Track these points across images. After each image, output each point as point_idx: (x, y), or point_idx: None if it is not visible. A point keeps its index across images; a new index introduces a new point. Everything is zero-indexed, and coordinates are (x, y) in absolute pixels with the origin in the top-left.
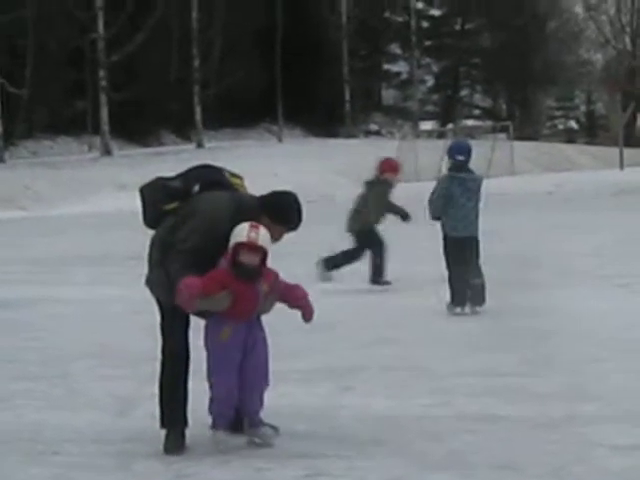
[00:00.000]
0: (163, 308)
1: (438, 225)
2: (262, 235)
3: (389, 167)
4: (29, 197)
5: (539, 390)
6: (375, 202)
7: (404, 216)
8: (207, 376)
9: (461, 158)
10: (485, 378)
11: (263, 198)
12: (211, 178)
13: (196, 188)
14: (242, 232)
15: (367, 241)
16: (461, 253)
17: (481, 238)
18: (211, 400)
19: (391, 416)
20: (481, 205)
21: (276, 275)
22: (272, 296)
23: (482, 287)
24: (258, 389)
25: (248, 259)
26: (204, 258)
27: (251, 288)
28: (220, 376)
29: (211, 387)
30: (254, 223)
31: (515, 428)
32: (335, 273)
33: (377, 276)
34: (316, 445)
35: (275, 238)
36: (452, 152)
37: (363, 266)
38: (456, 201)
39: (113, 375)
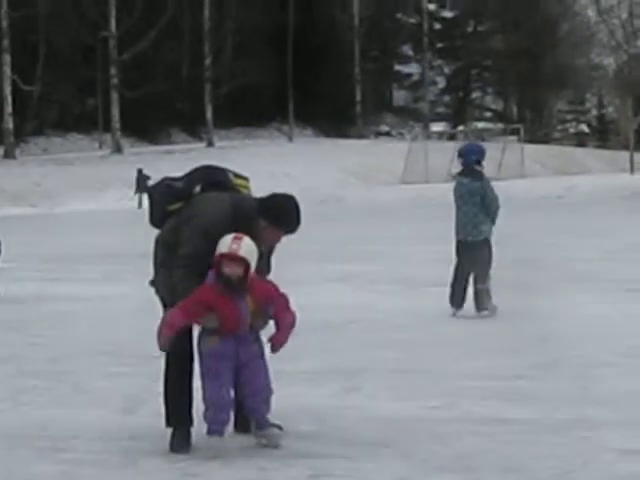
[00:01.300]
0: (167, 308)
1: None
2: (245, 246)
3: None
4: (39, 194)
5: (546, 393)
6: None
7: None
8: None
9: (461, 161)
10: (492, 381)
11: (261, 201)
12: (213, 179)
13: (197, 189)
14: (225, 243)
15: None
16: (460, 256)
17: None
18: (205, 406)
19: (397, 418)
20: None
21: (271, 296)
22: (264, 315)
23: (482, 293)
24: (260, 397)
25: (230, 270)
26: (205, 262)
27: (234, 305)
28: (210, 382)
29: (203, 394)
30: (239, 235)
31: (521, 431)
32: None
33: None
34: (321, 445)
35: (272, 241)
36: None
37: (372, 267)
38: (456, 204)
39: (120, 373)
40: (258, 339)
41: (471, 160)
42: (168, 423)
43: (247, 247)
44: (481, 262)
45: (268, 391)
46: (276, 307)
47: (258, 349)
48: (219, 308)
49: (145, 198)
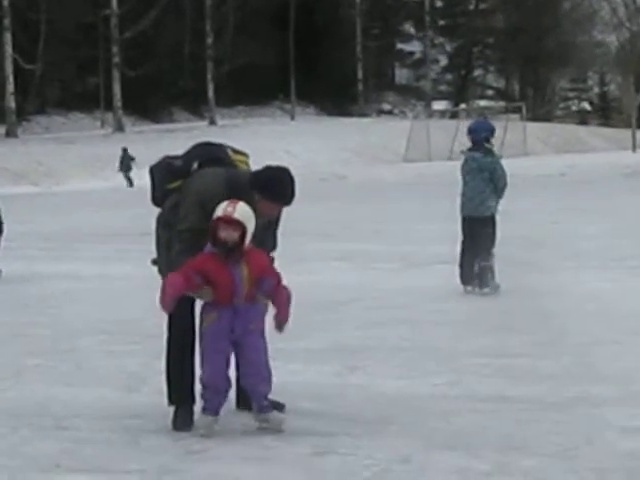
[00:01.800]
0: None
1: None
2: (240, 209)
3: None
4: (41, 173)
5: (549, 371)
6: None
7: None
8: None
9: (470, 137)
10: (495, 359)
11: (254, 174)
12: (211, 155)
13: (195, 166)
14: (221, 207)
15: None
16: (466, 232)
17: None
18: (201, 386)
19: (399, 396)
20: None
21: (265, 270)
22: (259, 289)
23: (484, 270)
24: (259, 378)
25: (225, 234)
26: (203, 237)
27: (228, 272)
28: (207, 364)
29: (201, 373)
30: (233, 200)
31: (524, 409)
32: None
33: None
34: (323, 423)
35: (268, 214)
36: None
37: (374, 245)
38: (463, 180)
39: (123, 351)
40: (257, 317)
41: (481, 137)
42: (170, 401)
43: (242, 210)
44: (485, 239)
45: (266, 371)
46: (270, 284)
47: (256, 326)
48: (214, 275)
49: (127, 176)
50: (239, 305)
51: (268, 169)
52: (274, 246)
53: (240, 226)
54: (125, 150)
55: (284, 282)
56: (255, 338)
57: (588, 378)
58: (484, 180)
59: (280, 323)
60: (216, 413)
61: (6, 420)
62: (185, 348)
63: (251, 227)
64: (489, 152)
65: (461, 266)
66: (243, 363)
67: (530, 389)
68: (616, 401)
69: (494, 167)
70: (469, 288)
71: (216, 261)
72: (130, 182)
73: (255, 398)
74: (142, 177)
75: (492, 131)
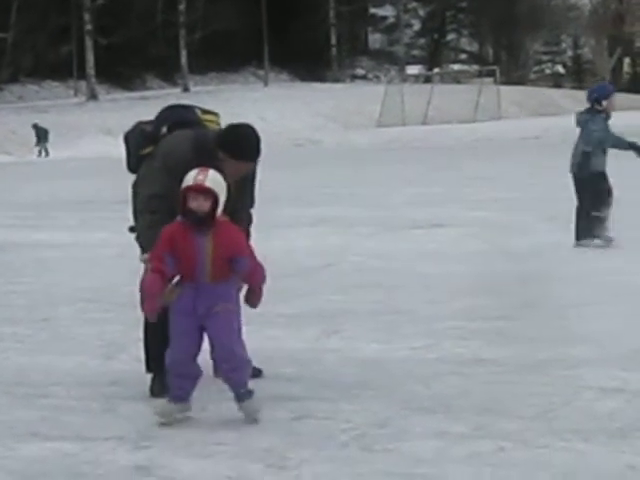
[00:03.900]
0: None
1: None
2: (211, 177)
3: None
4: (15, 142)
5: (525, 333)
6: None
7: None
8: None
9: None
10: (471, 322)
11: (218, 133)
12: (180, 118)
13: (164, 130)
14: (190, 176)
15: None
16: (576, 190)
17: (469, 183)
18: (167, 370)
19: (377, 359)
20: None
21: (238, 248)
22: (228, 266)
23: (596, 220)
24: (231, 364)
25: (196, 204)
26: (172, 203)
27: (192, 244)
28: (171, 345)
29: (167, 356)
30: (203, 168)
31: (501, 371)
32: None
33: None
34: (302, 388)
35: (234, 174)
36: None
37: (349, 210)
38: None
39: (100, 319)
40: (224, 298)
41: (591, 98)
42: (148, 369)
43: (214, 179)
44: (594, 193)
45: (239, 357)
46: (245, 264)
47: (223, 308)
48: (180, 246)
49: (45, 149)
50: (202, 283)
51: (231, 127)
52: (251, 204)
53: (211, 195)
54: (36, 125)
55: (258, 258)
56: (221, 320)
57: (566, 340)
58: (583, 139)
59: (253, 304)
60: (180, 400)
61: None
62: (162, 317)
63: (223, 196)
64: (593, 112)
65: (576, 224)
66: (212, 347)
67: (508, 351)
68: (595, 362)
69: (588, 125)
70: (584, 242)
71: (184, 231)
72: (46, 152)
73: (229, 385)
74: (119, 145)
75: (602, 91)
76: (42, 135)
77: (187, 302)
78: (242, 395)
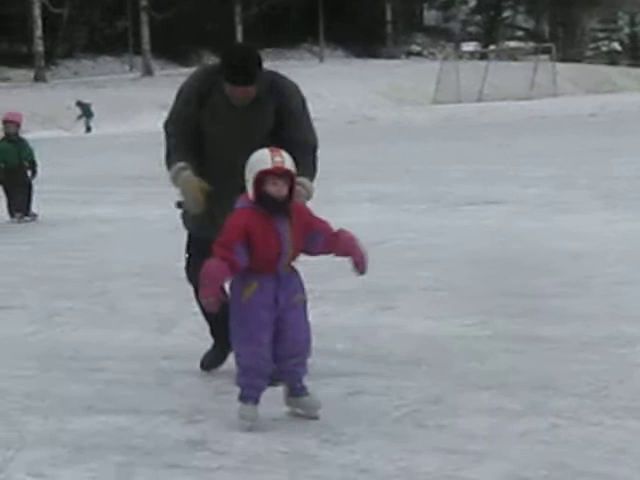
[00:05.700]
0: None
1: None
2: (287, 157)
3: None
4: (70, 117)
5: (578, 311)
6: None
7: None
8: (231, 342)
9: None
10: (524, 299)
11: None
12: None
13: None
14: (264, 158)
15: None
16: None
17: (523, 160)
18: (237, 370)
19: (430, 336)
20: None
21: (312, 224)
22: (304, 247)
23: None
24: (300, 359)
25: (276, 189)
26: (180, 125)
27: (274, 231)
28: (245, 345)
29: (236, 356)
30: (274, 148)
31: (555, 348)
32: None
33: None
34: (356, 364)
35: (235, 98)
36: None
37: (404, 187)
38: None
39: (154, 293)
40: (300, 287)
41: None
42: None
43: (289, 157)
44: None
45: (307, 352)
46: (321, 239)
47: (300, 297)
48: (256, 237)
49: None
50: (282, 274)
51: (224, 49)
52: (314, 174)
53: (290, 177)
54: (80, 102)
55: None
56: (298, 313)
57: (618, 318)
58: None
59: (361, 270)
60: (256, 401)
61: (37, 362)
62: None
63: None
64: None
65: None
66: (284, 341)
67: (560, 329)
68: None
69: None
70: None
71: (261, 219)
72: (88, 129)
73: (290, 379)
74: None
75: None
76: (86, 111)
77: (269, 294)
78: (300, 390)
